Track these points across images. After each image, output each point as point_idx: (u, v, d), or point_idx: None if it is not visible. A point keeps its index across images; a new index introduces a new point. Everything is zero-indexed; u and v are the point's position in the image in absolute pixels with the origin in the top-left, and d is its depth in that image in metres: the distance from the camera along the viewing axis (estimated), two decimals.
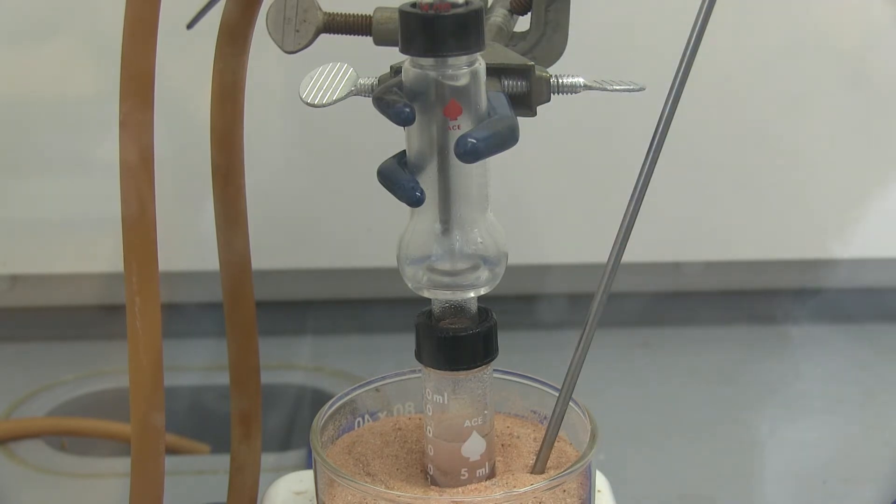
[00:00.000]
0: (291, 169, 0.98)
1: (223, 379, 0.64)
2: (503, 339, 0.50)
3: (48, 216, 0.99)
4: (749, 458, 0.87)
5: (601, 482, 0.58)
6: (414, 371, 0.53)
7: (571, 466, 0.49)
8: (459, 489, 0.50)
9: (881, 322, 1.05)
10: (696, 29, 0.46)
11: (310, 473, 0.56)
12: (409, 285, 0.49)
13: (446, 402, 0.49)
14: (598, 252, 0.52)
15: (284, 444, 0.90)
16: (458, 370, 0.49)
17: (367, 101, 0.47)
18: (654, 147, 0.48)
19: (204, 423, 0.95)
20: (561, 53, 0.55)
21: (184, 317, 1.01)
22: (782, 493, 0.83)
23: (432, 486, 0.51)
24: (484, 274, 0.48)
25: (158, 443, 0.52)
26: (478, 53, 0.46)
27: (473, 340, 0.49)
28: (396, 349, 0.97)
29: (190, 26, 0.57)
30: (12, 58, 0.95)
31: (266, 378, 0.66)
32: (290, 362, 1.00)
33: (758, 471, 0.85)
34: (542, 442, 0.50)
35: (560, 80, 0.50)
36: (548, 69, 0.51)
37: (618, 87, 0.51)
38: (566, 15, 0.55)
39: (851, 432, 0.90)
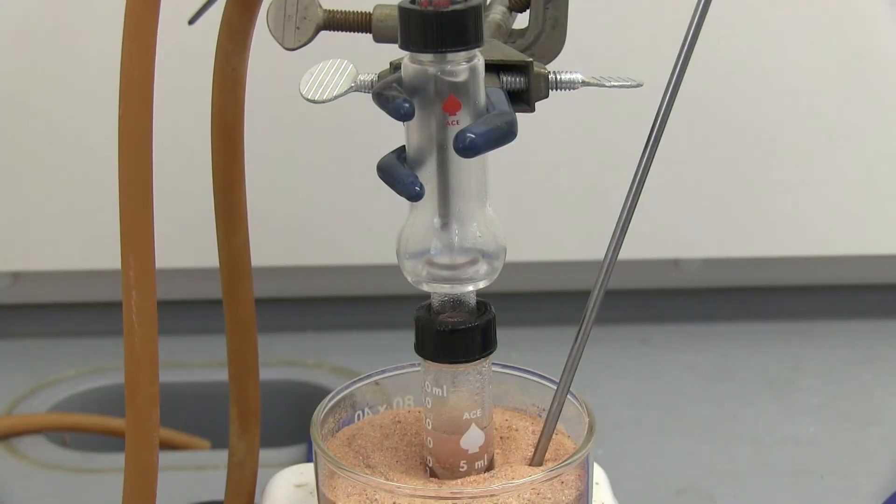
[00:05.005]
0: (291, 165, 0.98)
1: (223, 375, 0.64)
2: (502, 336, 0.50)
3: (48, 213, 0.99)
4: (747, 453, 0.87)
5: (599, 475, 0.58)
6: (413, 365, 0.54)
7: (569, 458, 0.49)
8: (458, 481, 0.50)
9: (878, 319, 1.05)
10: (693, 25, 0.47)
11: (310, 467, 0.56)
12: (409, 279, 0.49)
13: (445, 394, 0.50)
14: (596, 249, 0.53)
15: (283, 441, 0.90)
16: (457, 363, 0.49)
17: (367, 97, 0.47)
18: (651, 143, 0.48)
19: (204, 418, 0.95)
20: (559, 50, 0.56)
21: (184, 313, 1.02)
22: (779, 487, 0.83)
23: (431, 478, 0.51)
24: (483, 268, 0.49)
25: (152, 436, 0.52)
26: (476, 49, 0.46)
27: (472, 333, 0.49)
28: (396, 346, 0.97)
29: (191, 22, 0.57)
30: (12, 56, 0.95)
31: (265, 374, 0.66)
32: (289, 358, 1.00)
33: (755, 466, 0.85)
34: (541, 434, 0.51)
35: (558, 77, 0.50)
36: (546, 66, 0.51)
37: (616, 84, 0.51)
38: (565, 12, 0.55)
39: (849, 428, 0.90)
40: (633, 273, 1.03)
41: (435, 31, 0.45)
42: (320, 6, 0.53)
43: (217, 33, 0.57)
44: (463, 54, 0.46)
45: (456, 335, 0.49)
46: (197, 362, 0.99)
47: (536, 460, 0.51)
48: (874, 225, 1.01)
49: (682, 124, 0.86)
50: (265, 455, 0.68)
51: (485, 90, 0.47)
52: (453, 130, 0.46)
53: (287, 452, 0.88)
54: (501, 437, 0.53)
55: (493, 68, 0.50)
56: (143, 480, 0.52)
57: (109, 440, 0.91)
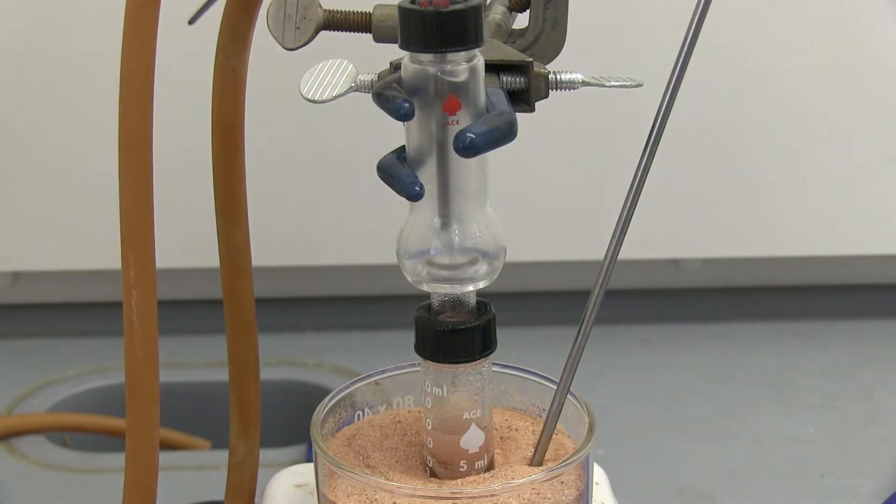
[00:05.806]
0: (291, 165, 0.98)
1: (223, 375, 0.64)
2: (501, 336, 0.50)
3: (48, 213, 0.99)
4: (747, 453, 0.87)
5: (599, 475, 0.58)
6: (413, 365, 0.54)
7: (569, 458, 0.49)
8: (458, 481, 0.50)
9: (878, 319, 1.05)
10: (693, 25, 0.47)
11: (310, 467, 0.56)
12: (409, 279, 0.49)
13: (445, 394, 0.50)
14: (596, 249, 0.53)
15: (283, 441, 0.90)
16: (457, 363, 0.49)
17: (367, 97, 0.47)
18: (651, 143, 0.48)
19: (204, 418, 0.95)
20: (559, 50, 0.56)
21: (184, 313, 1.02)
22: (779, 487, 0.83)
23: (431, 478, 0.51)
24: (483, 268, 0.49)
25: (153, 436, 0.52)
26: (476, 49, 0.46)
27: (472, 333, 0.49)
28: (396, 346, 0.97)
29: (192, 22, 0.57)
30: (11, 57, 0.95)
31: (265, 374, 0.66)
32: (289, 358, 1.00)
33: (755, 466, 0.85)
34: (541, 434, 0.51)
35: (558, 77, 0.51)
36: (546, 66, 0.51)
37: (616, 84, 0.51)
38: (565, 12, 0.55)
39: (849, 428, 0.90)
40: (633, 273, 1.03)
41: (435, 31, 0.45)
42: (320, 6, 0.54)
43: (217, 33, 0.57)
44: (463, 54, 0.46)
45: (456, 335, 0.49)
46: (197, 362, 0.99)
47: (536, 460, 0.51)
48: (874, 225, 1.01)
49: (682, 124, 0.86)
50: (265, 455, 0.68)
51: (485, 90, 0.47)
52: (453, 130, 0.46)
53: (287, 452, 0.88)
54: (501, 437, 0.53)
55: (493, 68, 0.50)
56: (143, 480, 0.52)
57: (109, 440, 0.91)
